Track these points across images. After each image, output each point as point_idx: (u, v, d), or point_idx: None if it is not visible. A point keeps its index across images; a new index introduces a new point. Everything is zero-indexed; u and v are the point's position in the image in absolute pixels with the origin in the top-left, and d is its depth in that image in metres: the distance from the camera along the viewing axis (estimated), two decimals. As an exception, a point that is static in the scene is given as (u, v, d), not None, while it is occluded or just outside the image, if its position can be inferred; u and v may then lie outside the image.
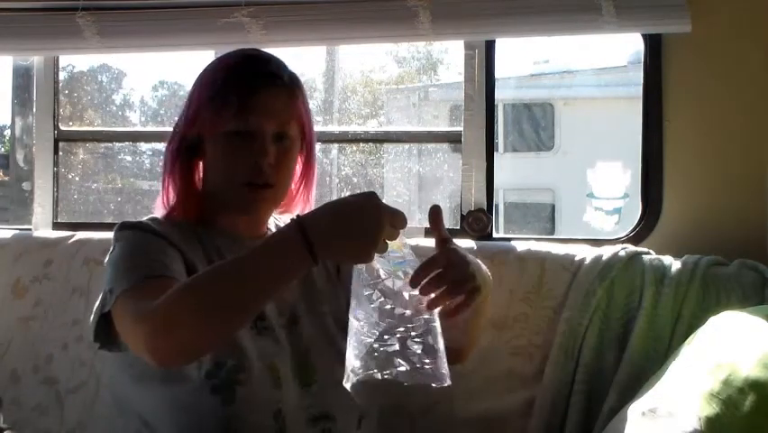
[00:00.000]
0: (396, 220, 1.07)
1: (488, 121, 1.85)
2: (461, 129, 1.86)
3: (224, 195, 1.31)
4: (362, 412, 1.33)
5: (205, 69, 1.34)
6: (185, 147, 1.32)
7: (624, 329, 1.55)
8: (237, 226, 1.34)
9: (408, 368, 1.06)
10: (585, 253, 1.63)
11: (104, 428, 1.64)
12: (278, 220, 1.42)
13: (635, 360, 1.50)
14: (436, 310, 1.10)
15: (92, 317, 1.24)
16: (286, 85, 1.29)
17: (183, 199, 1.33)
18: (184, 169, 1.33)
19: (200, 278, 1.11)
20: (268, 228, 1.40)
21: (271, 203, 1.34)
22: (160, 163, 1.39)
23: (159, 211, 1.36)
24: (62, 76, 2.19)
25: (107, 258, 1.25)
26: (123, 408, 1.28)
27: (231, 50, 1.37)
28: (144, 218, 1.33)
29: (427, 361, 1.06)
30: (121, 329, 1.16)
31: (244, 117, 1.26)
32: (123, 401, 1.28)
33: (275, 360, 1.25)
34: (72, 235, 1.89)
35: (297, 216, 1.08)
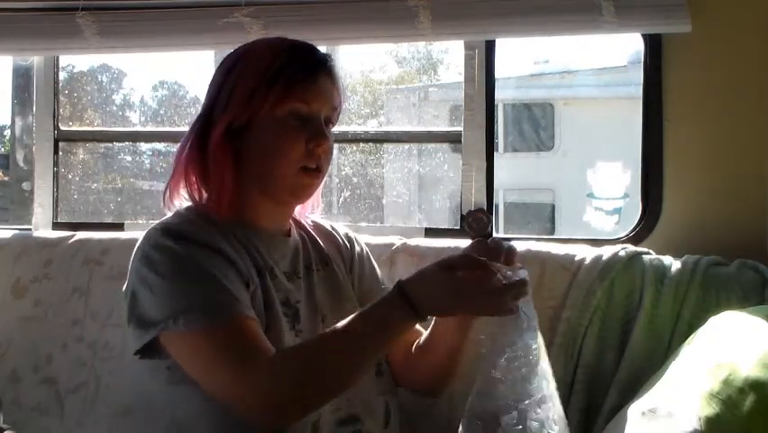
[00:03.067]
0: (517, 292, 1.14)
1: (488, 121, 1.85)
2: (461, 129, 1.86)
3: (273, 181, 1.28)
4: (388, 414, 1.33)
5: (245, 55, 1.28)
6: (229, 135, 1.26)
7: (624, 329, 1.54)
8: (267, 221, 1.33)
9: None
10: (585, 253, 1.63)
11: (106, 428, 1.65)
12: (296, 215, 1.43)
13: (635, 360, 1.50)
14: None
15: (139, 333, 1.19)
16: (335, 72, 1.31)
17: (230, 193, 1.27)
18: (232, 158, 1.27)
19: (310, 355, 1.15)
20: (290, 224, 1.39)
21: (315, 189, 1.34)
22: (177, 155, 1.31)
23: (174, 206, 1.31)
24: (62, 76, 2.19)
25: (147, 265, 1.20)
26: (151, 408, 1.26)
27: (263, 38, 1.35)
28: (168, 214, 1.29)
29: None
30: (190, 366, 1.18)
31: (307, 100, 1.26)
32: (153, 402, 1.26)
33: None
34: (72, 235, 1.89)
35: (400, 283, 1.15)
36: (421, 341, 1.40)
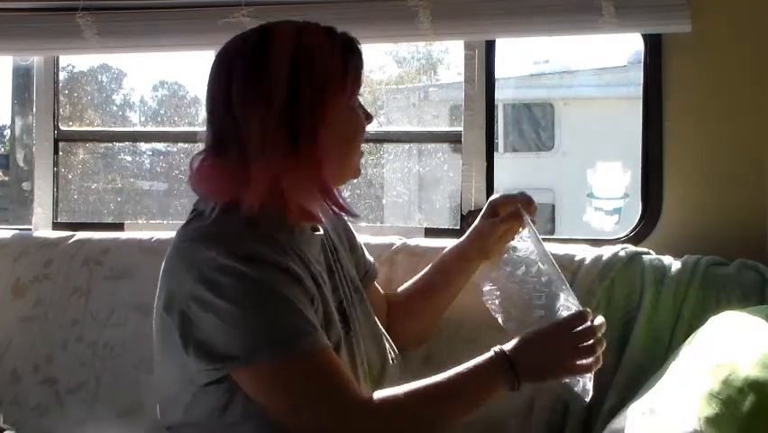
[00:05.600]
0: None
1: (488, 121, 1.85)
2: (461, 129, 1.86)
3: (347, 168, 1.27)
4: None
5: (307, 53, 1.20)
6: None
7: (624, 329, 1.54)
8: (296, 217, 1.22)
9: None
10: (585, 253, 1.63)
11: (106, 428, 1.65)
12: None
13: (635, 360, 1.50)
14: None
15: (208, 365, 1.11)
16: None
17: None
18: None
19: (408, 409, 1.13)
20: None
21: None
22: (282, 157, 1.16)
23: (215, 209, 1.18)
24: (62, 76, 2.19)
25: (210, 288, 1.10)
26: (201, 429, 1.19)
27: (299, 25, 1.28)
28: (213, 214, 1.17)
29: None
30: (272, 401, 1.11)
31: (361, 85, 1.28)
32: (205, 423, 1.17)
33: (370, 364, 1.28)
34: (72, 235, 1.89)
35: (510, 358, 1.17)
36: (413, 289, 1.52)
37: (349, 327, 1.26)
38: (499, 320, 1.37)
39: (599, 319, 1.23)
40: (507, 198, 1.49)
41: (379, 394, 1.14)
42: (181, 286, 1.13)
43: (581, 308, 1.24)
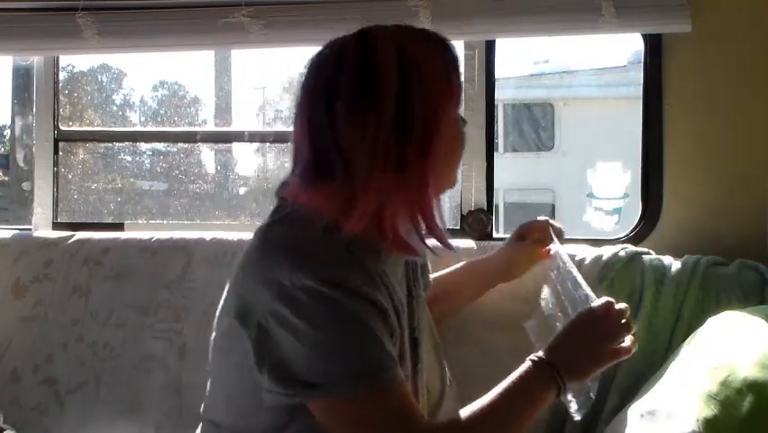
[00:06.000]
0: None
1: (488, 121, 1.85)
2: (461, 129, 1.86)
3: (448, 181, 1.22)
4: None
5: (417, 61, 1.12)
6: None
7: (624, 329, 1.54)
8: (391, 247, 1.15)
9: None
10: (585, 253, 1.63)
11: (106, 428, 1.64)
12: None
13: (635, 360, 1.49)
14: None
15: (285, 389, 1.07)
16: None
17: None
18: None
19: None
20: None
21: None
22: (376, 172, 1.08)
23: (317, 226, 1.10)
24: (62, 76, 2.18)
25: (291, 307, 1.05)
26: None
27: (412, 29, 1.22)
28: (310, 230, 1.11)
29: None
30: (344, 430, 1.07)
31: None
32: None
33: (431, 390, 1.27)
34: (72, 235, 1.89)
35: (552, 361, 1.12)
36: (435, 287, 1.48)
37: (418, 357, 1.22)
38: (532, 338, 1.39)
39: (622, 304, 1.18)
40: (538, 224, 1.50)
41: (443, 421, 1.13)
42: (258, 295, 1.09)
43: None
